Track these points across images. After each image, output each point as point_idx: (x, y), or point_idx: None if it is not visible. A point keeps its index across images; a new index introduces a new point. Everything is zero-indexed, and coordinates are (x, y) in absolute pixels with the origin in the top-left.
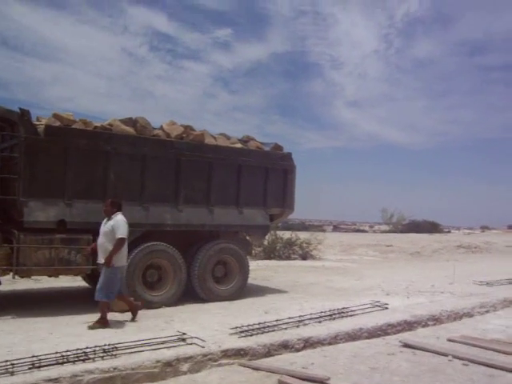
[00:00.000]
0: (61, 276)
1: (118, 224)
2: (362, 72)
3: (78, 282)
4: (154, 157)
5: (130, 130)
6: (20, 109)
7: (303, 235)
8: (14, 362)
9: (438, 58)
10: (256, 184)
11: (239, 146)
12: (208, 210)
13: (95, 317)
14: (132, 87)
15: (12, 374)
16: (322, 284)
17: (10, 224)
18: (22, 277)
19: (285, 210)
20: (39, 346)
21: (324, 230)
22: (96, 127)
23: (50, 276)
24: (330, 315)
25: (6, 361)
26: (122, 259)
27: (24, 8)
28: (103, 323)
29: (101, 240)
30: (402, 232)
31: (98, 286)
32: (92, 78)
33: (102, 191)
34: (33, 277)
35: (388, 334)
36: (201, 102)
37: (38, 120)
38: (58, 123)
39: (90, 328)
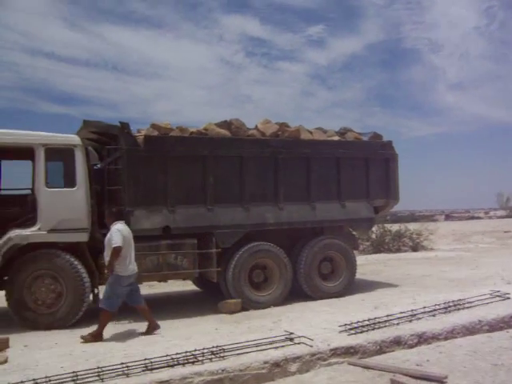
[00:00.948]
0: (171, 281)
1: (111, 234)
2: (463, 52)
3: (189, 286)
4: (250, 157)
5: (225, 132)
6: (120, 122)
7: (413, 226)
8: (129, 364)
9: None
10: (357, 176)
11: (336, 138)
12: (309, 206)
13: (203, 320)
14: (231, 94)
15: (127, 375)
16: (435, 275)
17: None
18: None
19: (389, 201)
20: (152, 348)
21: (435, 220)
22: (192, 133)
23: (159, 281)
24: (445, 308)
25: (122, 363)
26: (126, 268)
27: (127, 32)
28: (95, 337)
29: (105, 252)
30: None
31: (103, 295)
32: (193, 89)
33: (203, 195)
34: (146, 283)
35: (511, 326)
36: (299, 102)
37: (138, 132)
38: (156, 133)
39: (84, 340)
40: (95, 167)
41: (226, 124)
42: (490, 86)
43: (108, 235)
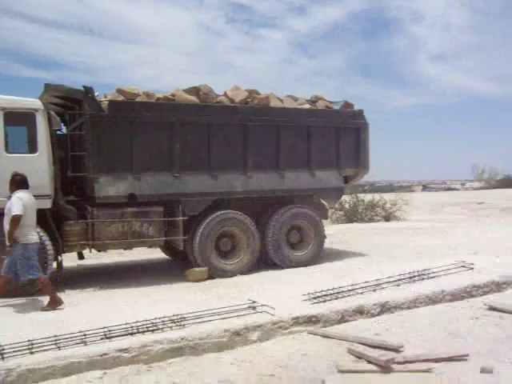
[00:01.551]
0: (143, 248)
1: (11, 203)
2: (445, 23)
3: (158, 253)
4: (219, 124)
5: (193, 98)
6: (84, 87)
7: (389, 197)
8: (88, 332)
9: None
10: (327, 145)
11: (307, 106)
12: (278, 174)
13: (168, 288)
14: (211, 61)
15: (85, 344)
16: (404, 245)
17: (85, 200)
18: (99, 251)
19: (359, 171)
20: (113, 317)
21: (413, 191)
22: (159, 98)
23: (124, 249)
24: (410, 278)
25: (80, 331)
26: (29, 236)
27: None
28: (54, 304)
29: (4, 221)
30: (495, 188)
31: (18, 270)
32: (173, 55)
33: (170, 162)
34: (116, 250)
35: (473, 296)
36: (280, 70)
37: (105, 97)
38: (121, 98)
39: (44, 310)
40: (58, 132)
41: (194, 90)
42: (472, 57)
43: (8, 203)
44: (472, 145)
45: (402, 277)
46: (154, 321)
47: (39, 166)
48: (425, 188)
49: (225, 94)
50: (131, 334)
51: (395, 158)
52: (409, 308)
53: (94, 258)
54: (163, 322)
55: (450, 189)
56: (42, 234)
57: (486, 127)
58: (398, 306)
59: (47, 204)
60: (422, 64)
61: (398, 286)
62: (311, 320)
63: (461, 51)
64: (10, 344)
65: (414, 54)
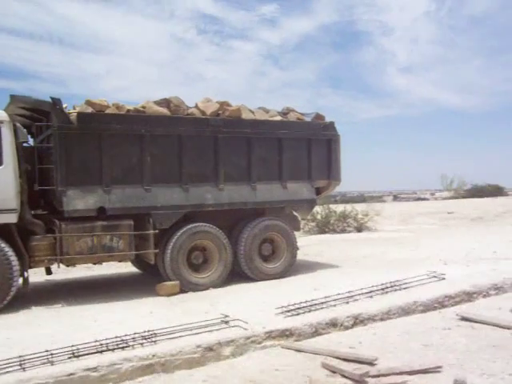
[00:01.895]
0: (110, 263)
1: None
2: (413, 36)
3: (128, 267)
4: (190, 136)
5: (163, 110)
6: (51, 98)
7: (360, 207)
8: (54, 351)
9: (495, 12)
10: (299, 157)
11: (278, 118)
12: (250, 186)
13: (139, 302)
14: (183, 72)
15: (52, 363)
16: (376, 256)
17: (53, 214)
18: (67, 265)
19: (331, 182)
20: (81, 334)
21: (384, 201)
22: (129, 110)
23: (94, 263)
24: (382, 289)
25: (47, 350)
26: None
27: (74, 3)
28: None
29: None
30: (464, 198)
31: None
32: (144, 66)
33: (140, 175)
34: (84, 265)
35: (445, 306)
36: (251, 81)
37: (73, 108)
38: (90, 109)
39: None
40: (25, 145)
41: (165, 102)
42: (439, 69)
43: None
44: (441, 155)
45: (375, 288)
46: (124, 337)
47: (5, 179)
48: (395, 198)
49: (196, 106)
50: (100, 351)
51: (365, 169)
52: (382, 320)
53: (62, 272)
54: (134, 338)
55: (420, 199)
56: (7, 249)
57: (454, 137)
58: (371, 317)
59: (13, 218)
60: (391, 76)
61: (370, 297)
62: (285, 334)
63: (429, 64)
64: None
65: (383, 65)
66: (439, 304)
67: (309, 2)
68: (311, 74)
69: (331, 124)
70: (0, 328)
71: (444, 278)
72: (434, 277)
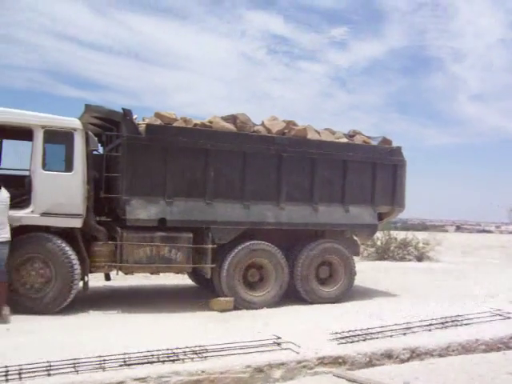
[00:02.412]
0: (167, 274)
1: None
2: (486, 63)
3: (185, 280)
4: (254, 153)
5: (230, 126)
6: (123, 109)
7: (422, 235)
8: (107, 358)
9: None
10: (363, 180)
11: (344, 140)
12: (311, 208)
13: (192, 316)
14: (250, 90)
15: (104, 369)
16: (437, 288)
17: (115, 221)
18: (126, 273)
19: (394, 208)
20: (133, 343)
21: (446, 231)
22: (196, 125)
23: (151, 273)
24: (442, 323)
25: (100, 356)
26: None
27: (152, 20)
28: None
29: None
30: None
31: None
32: (213, 83)
33: (202, 189)
34: (142, 274)
35: (510, 348)
36: (318, 102)
37: (143, 120)
38: (159, 122)
39: None
40: (95, 153)
41: (231, 118)
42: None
43: None
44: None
45: (434, 321)
46: (175, 350)
47: (73, 184)
48: (458, 228)
49: (262, 124)
50: (151, 362)
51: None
52: (440, 356)
53: (120, 279)
54: (184, 352)
55: (484, 231)
56: (70, 252)
57: None
58: (429, 352)
59: (78, 223)
60: (461, 103)
61: (429, 330)
62: (337, 361)
63: (501, 92)
64: (29, 364)
65: (453, 92)
66: (503, 345)
67: (379, 25)
68: (378, 98)
69: (398, 149)
70: (58, 329)
71: (510, 317)
72: (499, 315)
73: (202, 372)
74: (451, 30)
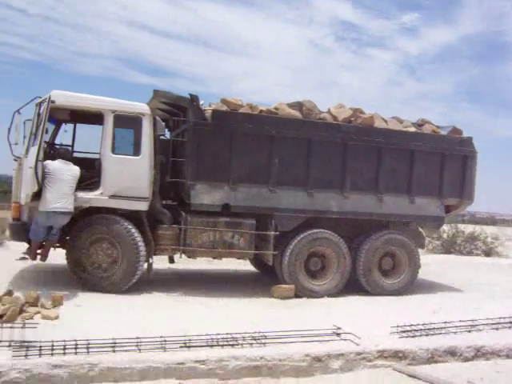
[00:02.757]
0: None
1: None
2: None
3: (247, 265)
4: (319, 141)
5: (295, 113)
6: (190, 94)
7: (490, 230)
8: (168, 339)
9: None
10: (430, 171)
11: (412, 129)
12: (376, 197)
13: (253, 302)
14: (317, 77)
15: (165, 350)
16: (505, 285)
17: (180, 206)
18: (189, 257)
19: (463, 201)
20: (195, 324)
21: None
22: (262, 111)
23: (213, 258)
24: (511, 322)
25: (161, 336)
26: (47, 203)
27: (220, 7)
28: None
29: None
30: None
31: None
32: (279, 70)
33: (266, 176)
34: (205, 258)
35: None
36: (386, 91)
37: (209, 106)
38: (225, 108)
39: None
40: (162, 138)
41: (297, 105)
42: None
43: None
44: None
45: (502, 320)
46: (234, 335)
47: (141, 168)
48: None
49: (328, 111)
50: (211, 346)
51: (499, 189)
52: (507, 357)
53: (184, 263)
54: (244, 337)
55: None
56: (136, 234)
57: None
58: (496, 352)
59: (144, 206)
60: None
61: (496, 329)
62: (397, 355)
63: None
64: (96, 340)
65: None
66: None
67: (452, 11)
68: (449, 87)
69: (469, 139)
70: (124, 308)
71: None
72: None
73: (261, 358)
74: None
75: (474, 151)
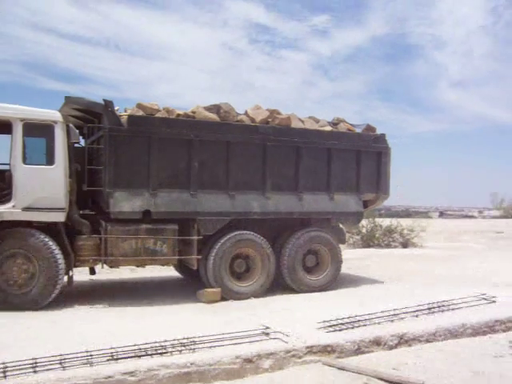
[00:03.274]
0: (153, 266)
1: None
2: (467, 50)
3: (171, 271)
4: (238, 143)
5: (213, 116)
6: (104, 100)
7: (406, 222)
8: (94, 352)
9: None
10: (347, 168)
11: (328, 128)
12: (297, 196)
13: (180, 308)
14: (233, 80)
15: (91, 364)
16: (422, 274)
17: (100, 215)
18: (111, 266)
19: (379, 195)
20: (122, 336)
21: (430, 217)
22: (179, 115)
23: (137, 266)
24: (429, 309)
25: (87, 351)
26: None
27: (131, 11)
28: None
29: None
30: None
31: None
32: (195, 73)
33: (187, 180)
34: (128, 266)
35: (496, 331)
36: (301, 91)
37: (125, 111)
38: (141, 113)
39: None
40: (76, 145)
41: (214, 108)
42: (493, 85)
43: None
44: (491, 172)
45: (421, 307)
46: (163, 343)
47: (55, 178)
48: (442, 214)
49: (246, 113)
50: (139, 356)
51: (411, 183)
52: (428, 341)
53: (105, 273)
54: (172, 345)
55: (467, 216)
56: (54, 247)
57: (506, 155)
58: (417, 338)
59: (61, 217)
60: (443, 90)
61: (416, 316)
62: (326, 350)
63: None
64: (14, 361)
65: (434, 79)
66: (489, 328)
67: (361, 13)
68: (361, 86)
69: (382, 136)
70: (43, 325)
71: (494, 301)
72: (484, 299)
73: (191, 364)
74: (432, 17)
75: (387, 147)
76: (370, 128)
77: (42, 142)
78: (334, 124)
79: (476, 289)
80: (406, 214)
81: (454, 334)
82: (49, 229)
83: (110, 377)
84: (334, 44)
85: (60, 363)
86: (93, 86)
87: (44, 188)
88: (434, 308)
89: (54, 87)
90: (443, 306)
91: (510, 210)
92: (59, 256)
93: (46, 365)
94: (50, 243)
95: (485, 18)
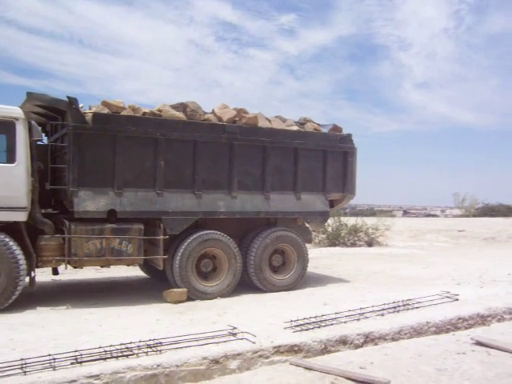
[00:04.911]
0: (119, 266)
1: None
2: (430, 52)
3: (137, 271)
4: (205, 142)
5: (179, 115)
6: (68, 97)
7: (370, 221)
8: (57, 356)
9: None
10: (314, 168)
11: (295, 128)
12: (263, 196)
13: (145, 308)
14: (199, 77)
15: (54, 368)
16: (387, 272)
17: (63, 214)
18: (75, 267)
19: (345, 195)
20: (86, 339)
21: (393, 216)
22: (145, 113)
23: (101, 266)
24: (394, 307)
25: (50, 355)
26: None
27: (95, 6)
28: None
29: None
30: (475, 216)
31: None
32: (161, 70)
33: (153, 179)
34: (92, 267)
35: (458, 328)
36: (267, 90)
37: (89, 108)
38: (106, 110)
39: None
40: (39, 143)
41: (181, 106)
42: (455, 87)
43: None
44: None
45: (386, 306)
46: (129, 345)
47: (16, 176)
48: (405, 213)
49: (213, 112)
50: (104, 358)
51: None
52: (393, 339)
53: (69, 273)
54: (138, 346)
55: (430, 215)
56: (15, 247)
57: (468, 155)
58: (383, 337)
59: (23, 217)
60: (407, 91)
61: (382, 315)
62: (293, 349)
63: (445, 80)
64: None
65: (399, 80)
66: (452, 326)
67: (328, 14)
68: (327, 86)
69: (348, 136)
70: (3, 328)
71: (457, 299)
72: (447, 297)
73: (158, 366)
74: (397, 19)
75: (353, 147)
76: (336, 128)
77: (3, 139)
78: (301, 124)
79: (440, 287)
80: (371, 212)
81: (418, 331)
82: (10, 229)
83: (74, 381)
84: (300, 43)
85: (21, 368)
86: (56, 81)
87: (4, 186)
88: (399, 307)
89: (15, 82)
90: (408, 304)
91: (471, 210)
92: (20, 256)
93: (5, 370)
94: (11, 243)
95: (447, 21)
